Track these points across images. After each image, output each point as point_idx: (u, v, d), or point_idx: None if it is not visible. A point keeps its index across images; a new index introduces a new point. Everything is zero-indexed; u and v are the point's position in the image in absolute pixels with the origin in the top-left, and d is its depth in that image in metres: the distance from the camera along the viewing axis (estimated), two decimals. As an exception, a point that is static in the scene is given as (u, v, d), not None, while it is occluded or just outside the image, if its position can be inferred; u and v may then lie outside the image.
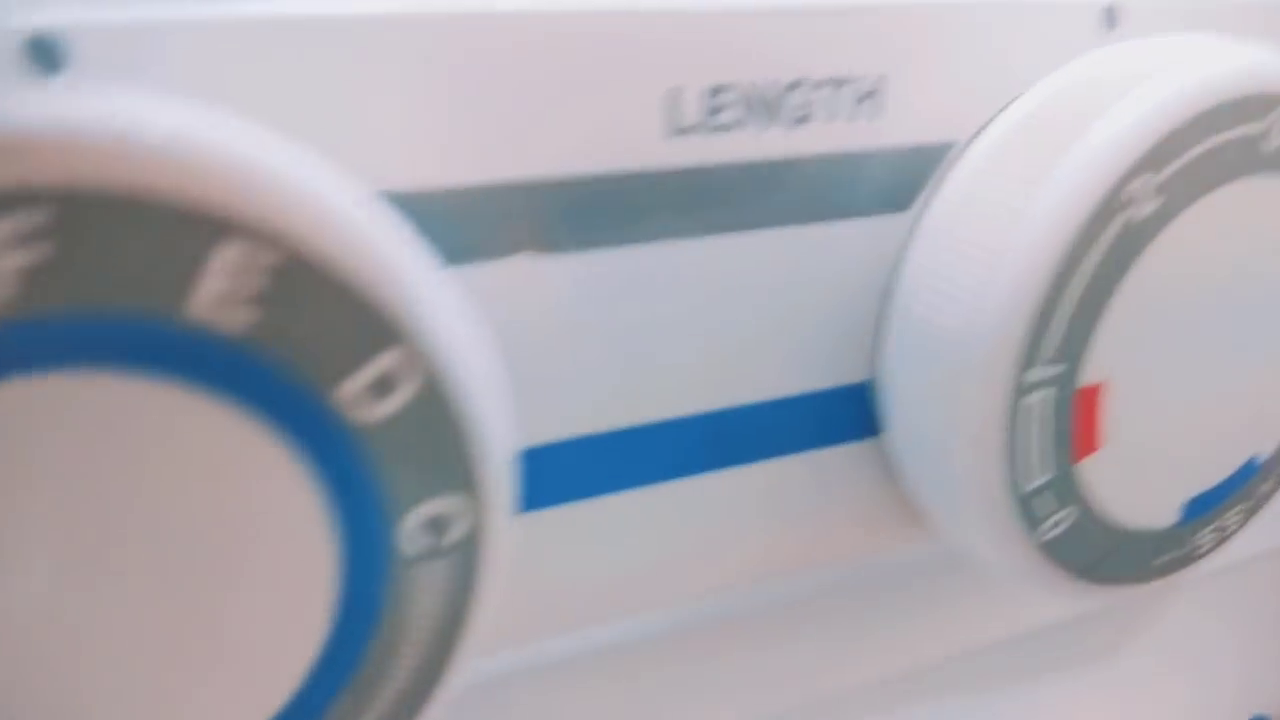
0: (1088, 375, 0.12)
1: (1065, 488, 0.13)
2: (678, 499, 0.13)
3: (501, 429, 0.09)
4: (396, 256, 0.08)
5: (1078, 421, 0.12)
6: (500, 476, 0.09)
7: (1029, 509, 0.13)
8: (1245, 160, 0.12)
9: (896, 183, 0.13)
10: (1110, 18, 0.14)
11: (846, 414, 0.14)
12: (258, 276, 0.08)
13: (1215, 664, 0.23)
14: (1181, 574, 0.14)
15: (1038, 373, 0.12)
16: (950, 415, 0.12)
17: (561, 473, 0.12)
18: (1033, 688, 0.21)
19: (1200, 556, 0.14)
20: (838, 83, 0.12)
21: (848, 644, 0.16)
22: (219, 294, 0.08)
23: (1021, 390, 0.12)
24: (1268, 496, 0.15)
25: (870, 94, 0.12)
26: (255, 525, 0.08)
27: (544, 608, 0.12)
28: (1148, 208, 0.12)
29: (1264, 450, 0.14)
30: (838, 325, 0.13)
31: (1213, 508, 0.14)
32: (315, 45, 0.09)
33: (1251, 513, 0.15)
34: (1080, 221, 0.11)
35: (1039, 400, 0.12)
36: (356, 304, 0.08)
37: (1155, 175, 0.11)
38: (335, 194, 0.08)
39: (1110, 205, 0.11)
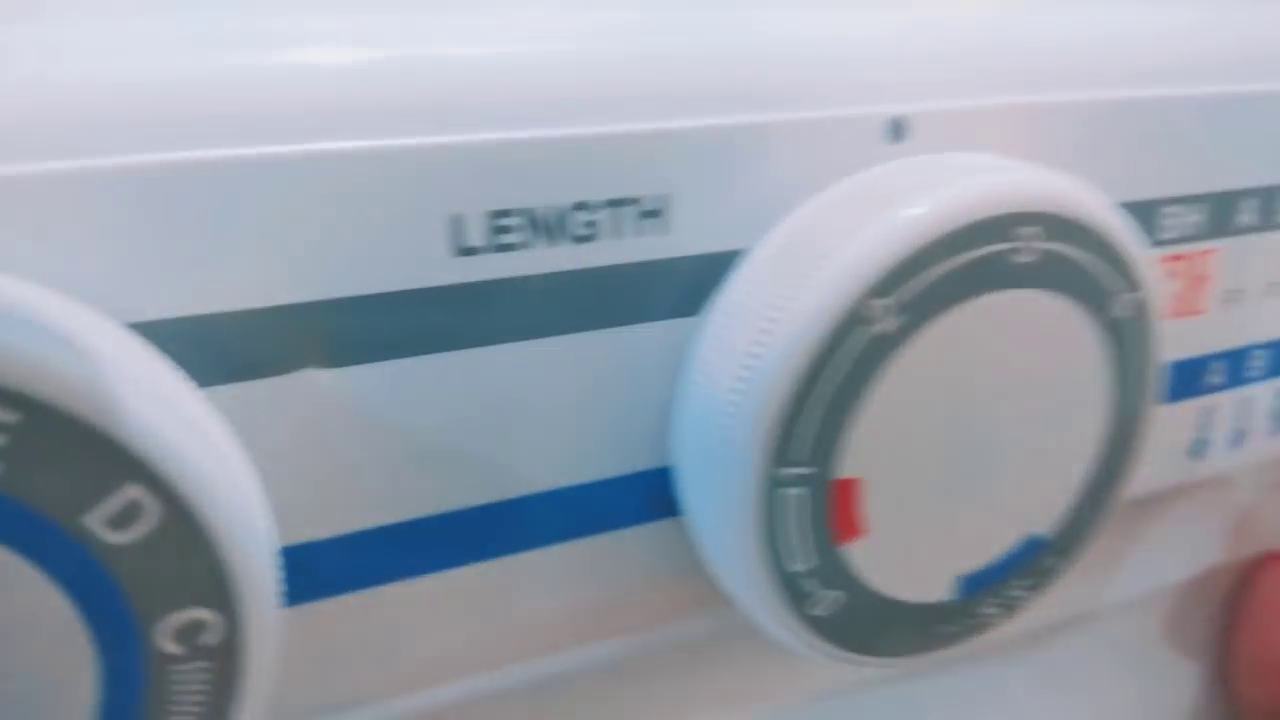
0: (842, 470, 0.13)
1: (830, 570, 0.14)
2: (484, 579, 0.14)
3: (255, 540, 0.10)
4: (132, 398, 0.09)
5: (836, 511, 0.13)
6: (254, 583, 0.10)
7: (796, 589, 0.14)
8: (996, 275, 0.13)
9: (687, 290, 0.14)
10: (897, 131, 0.15)
11: (659, 495, 0.15)
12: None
13: (1091, 701, 0.24)
14: (972, 641, 0.16)
15: (792, 469, 0.13)
16: (717, 503, 0.13)
17: (362, 562, 0.13)
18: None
19: (988, 626, 0.15)
20: (621, 202, 0.13)
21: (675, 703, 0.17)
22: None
23: (777, 483, 0.13)
24: (1054, 570, 0.16)
25: (655, 211, 0.13)
26: (22, 636, 0.09)
27: (338, 688, 0.13)
28: (890, 323, 0.13)
29: (1042, 529, 0.15)
30: (638, 418, 0.14)
31: (991, 583, 0.15)
32: (86, 196, 0.11)
33: (1039, 586, 0.16)
34: (822, 335, 0.12)
35: (796, 493, 0.13)
36: (94, 446, 0.09)
37: (895, 294, 0.13)
38: (68, 347, 0.09)
39: (852, 320, 0.12)
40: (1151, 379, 0.15)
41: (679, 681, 0.17)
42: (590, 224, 0.13)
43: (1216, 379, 0.19)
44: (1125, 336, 0.14)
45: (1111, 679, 0.24)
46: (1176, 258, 0.18)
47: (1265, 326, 0.20)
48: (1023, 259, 0.13)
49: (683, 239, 0.14)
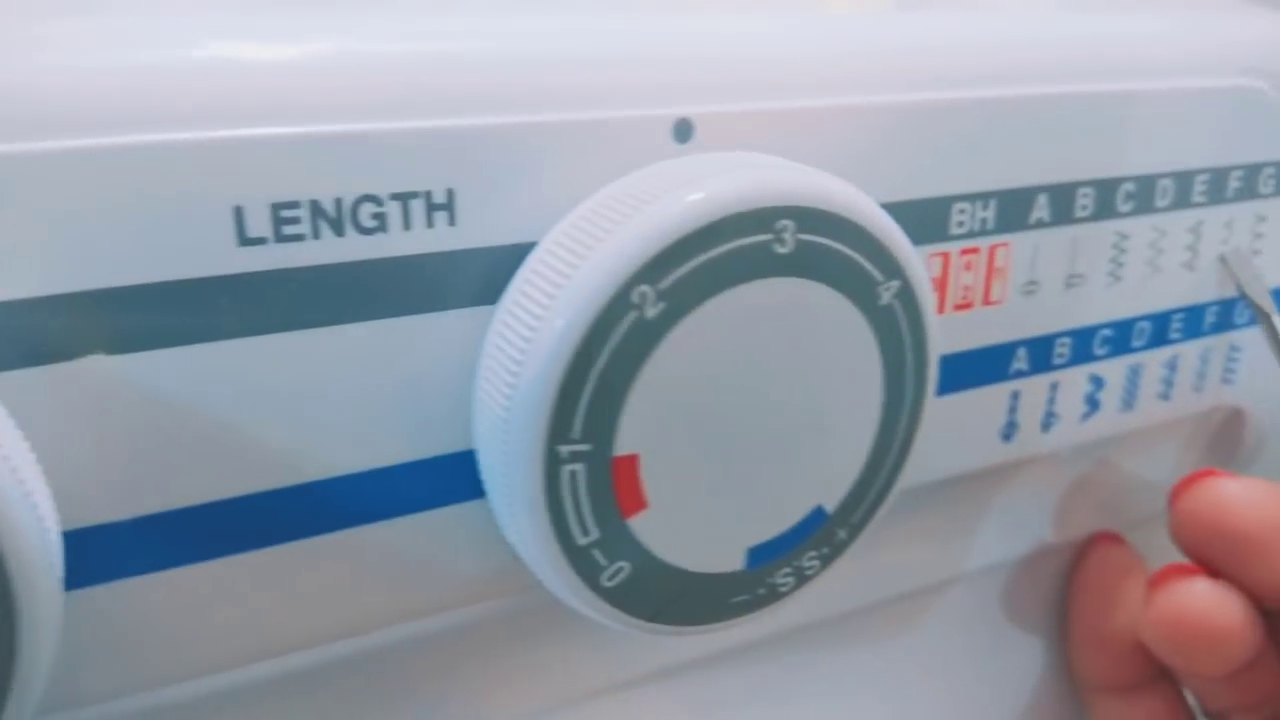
0: (621, 447, 0.14)
1: (616, 542, 0.14)
2: (281, 563, 0.15)
3: (32, 525, 0.11)
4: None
5: (620, 485, 0.14)
6: (30, 567, 0.11)
7: (586, 561, 0.14)
8: (759, 264, 0.14)
9: (482, 280, 0.15)
10: (683, 131, 0.16)
11: (465, 478, 0.16)
12: None
13: (928, 677, 0.26)
14: (767, 610, 0.16)
15: (570, 447, 0.14)
16: (504, 482, 0.14)
17: (154, 546, 0.14)
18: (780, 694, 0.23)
19: (782, 595, 0.16)
20: (408, 196, 0.14)
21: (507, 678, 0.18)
22: None
23: (558, 460, 0.14)
24: (845, 543, 0.17)
25: (443, 205, 0.14)
26: None
27: (127, 672, 0.13)
28: (656, 308, 0.14)
29: (827, 503, 0.16)
30: (439, 403, 0.15)
31: (782, 553, 0.16)
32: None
33: (831, 557, 0.17)
34: (590, 320, 0.13)
35: (576, 469, 0.14)
36: None
37: (658, 282, 0.13)
38: None
39: (618, 306, 0.13)
40: (923, 363, 0.16)
41: (493, 663, 0.18)
42: (378, 216, 0.14)
43: (1021, 365, 0.21)
44: (892, 323, 0.15)
45: (953, 657, 0.26)
46: (969, 251, 0.19)
47: (1068, 316, 0.21)
48: (781, 249, 0.14)
49: (473, 231, 0.15)
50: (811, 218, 0.14)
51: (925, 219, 0.18)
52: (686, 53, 0.16)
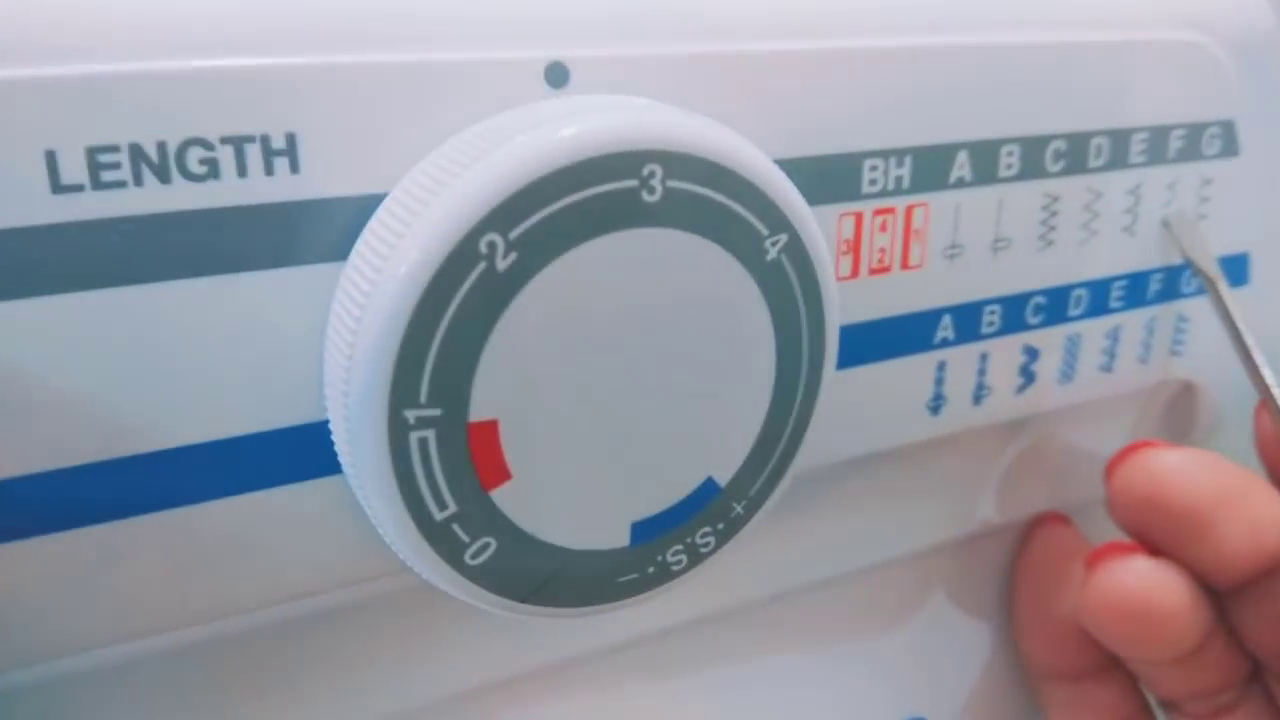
0: (477, 411, 0.13)
1: (479, 516, 0.13)
2: (127, 538, 0.14)
3: None
4: None
5: (478, 454, 0.13)
6: None
7: (446, 538, 0.13)
8: (624, 213, 0.13)
9: (335, 232, 0.14)
10: (557, 75, 0.15)
11: (322, 450, 0.15)
12: None
13: (872, 665, 0.25)
14: (660, 589, 0.15)
15: (419, 411, 0.13)
16: (353, 452, 0.13)
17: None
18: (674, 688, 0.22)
19: (676, 573, 0.15)
20: (241, 140, 0.13)
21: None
22: None
23: (406, 427, 0.13)
24: (743, 518, 0.16)
25: (283, 150, 0.13)
26: None
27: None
28: (507, 260, 0.13)
29: (721, 473, 0.15)
30: (292, 368, 0.14)
31: (671, 528, 0.15)
32: None
33: (727, 533, 0.16)
34: (433, 272, 0.12)
35: (427, 436, 0.13)
36: None
37: (508, 231, 0.12)
38: None
39: (464, 256, 0.12)
40: (820, 326, 0.15)
41: (378, 651, 0.17)
42: (207, 161, 0.13)
43: (947, 334, 0.20)
44: (782, 281, 0.14)
45: (894, 644, 0.25)
46: (884, 211, 0.18)
47: (996, 282, 0.20)
48: (649, 198, 0.13)
49: (320, 181, 0.13)
50: (682, 164, 0.13)
51: (834, 176, 0.17)
52: (562, -8, 0.15)
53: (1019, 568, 0.25)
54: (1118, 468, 0.20)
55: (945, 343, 0.20)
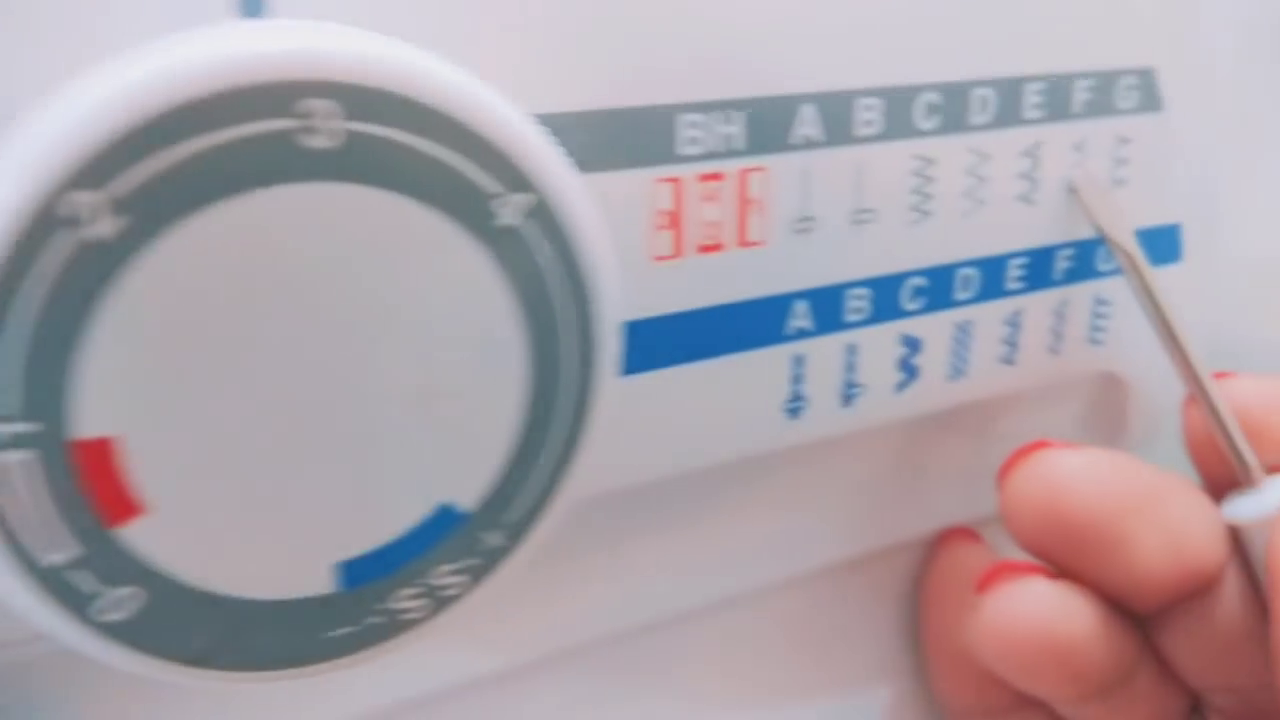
0: (85, 428, 0.10)
1: (107, 560, 0.10)
2: None
3: None
4: None
5: (91, 481, 0.10)
6: None
7: (67, 588, 0.11)
8: (280, 163, 0.10)
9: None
10: (250, 4, 0.12)
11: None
12: None
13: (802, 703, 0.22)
14: (395, 642, 0.13)
15: (7, 427, 0.10)
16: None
17: None
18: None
19: (414, 622, 0.12)
20: None
21: None
22: None
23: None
24: (503, 550, 0.13)
25: None
26: None
27: None
28: (108, 225, 0.10)
29: (460, 498, 0.12)
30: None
31: (398, 569, 0.12)
32: None
33: (483, 570, 0.13)
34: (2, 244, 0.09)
35: (18, 459, 0.10)
36: None
37: (108, 186, 0.09)
38: None
39: (45, 221, 0.09)
40: (586, 308, 0.12)
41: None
42: None
43: (802, 323, 0.17)
44: (522, 252, 0.12)
45: (783, 681, 0.22)
46: (710, 176, 0.15)
47: (860, 261, 0.17)
48: (319, 144, 0.10)
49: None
50: (363, 99, 0.10)
51: (637, 133, 0.14)
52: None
53: (924, 592, 0.22)
54: (1010, 474, 0.17)
55: (801, 334, 0.17)
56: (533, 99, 0.13)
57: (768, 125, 0.15)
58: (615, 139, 0.14)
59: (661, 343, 0.15)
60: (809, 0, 0.15)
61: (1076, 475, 0.17)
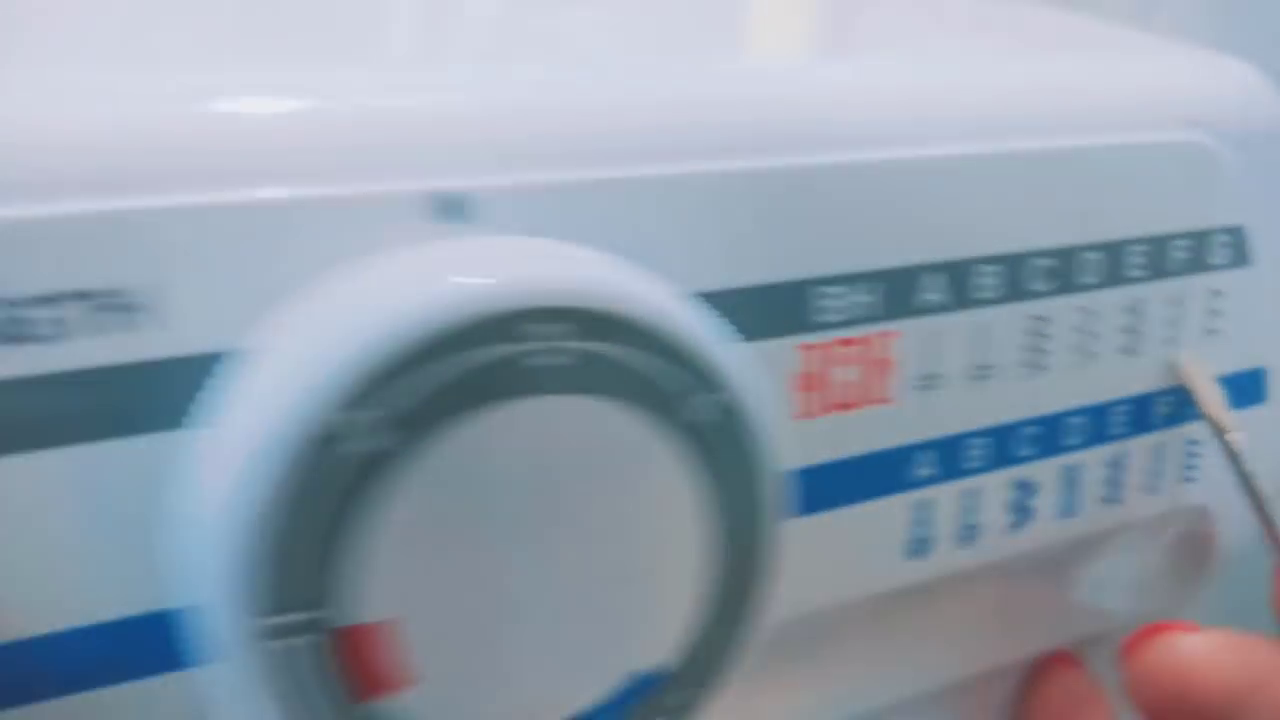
0: (362, 613, 0.11)
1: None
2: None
3: None
4: None
5: (360, 662, 0.11)
6: None
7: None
8: (514, 379, 0.11)
9: (186, 396, 0.12)
10: (448, 209, 0.13)
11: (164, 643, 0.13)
12: None
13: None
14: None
15: (288, 617, 0.11)
16: (210, 660, 0.11)
17: None
18: None
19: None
20: (84, 295, 0.11)
21: None
22: None
23: (273, 635, 0.11)
24: (688, 705, 0.14)
25: (130, 306, 0.12)
26: None
27: None
28: (379, 440, 0.11)
29: (651, 664, 0.13)
30: (132, 550, 0.12)
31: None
32: None
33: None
34: (286, 458, 0.10)
35: (302, 644, 0.11)
36: None
37: (378, 407, 0.11)
38: None
39: (326, 440, 0.11)
40: (762, 484, 0.13)
41: None
42: (56, 321, 0.11)
43: (925, 471, 0.18)
44: (712, 441, 0.13)
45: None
46: (846, 342, 0.16)
47: (978, 414, 0.18)
48: (546, 361, 0.11)
49: (170, 337, 0.12)
50: (591, 322, 0.12)
51: (780, 305, 0.16)
52: (451, 111, 0.13)
53: (1023, 716, 0.23)
54: (1136, 654, 0.18)
55: (922, 481, 0.18)
56: (698, 281, 0.14)
57: (896, 294, 0.16)
58: (762, 311, 0.15)
59: (799, 493, 0.16)
60: (932, 178, 0.16)
61: (1200, 658, 0.18)
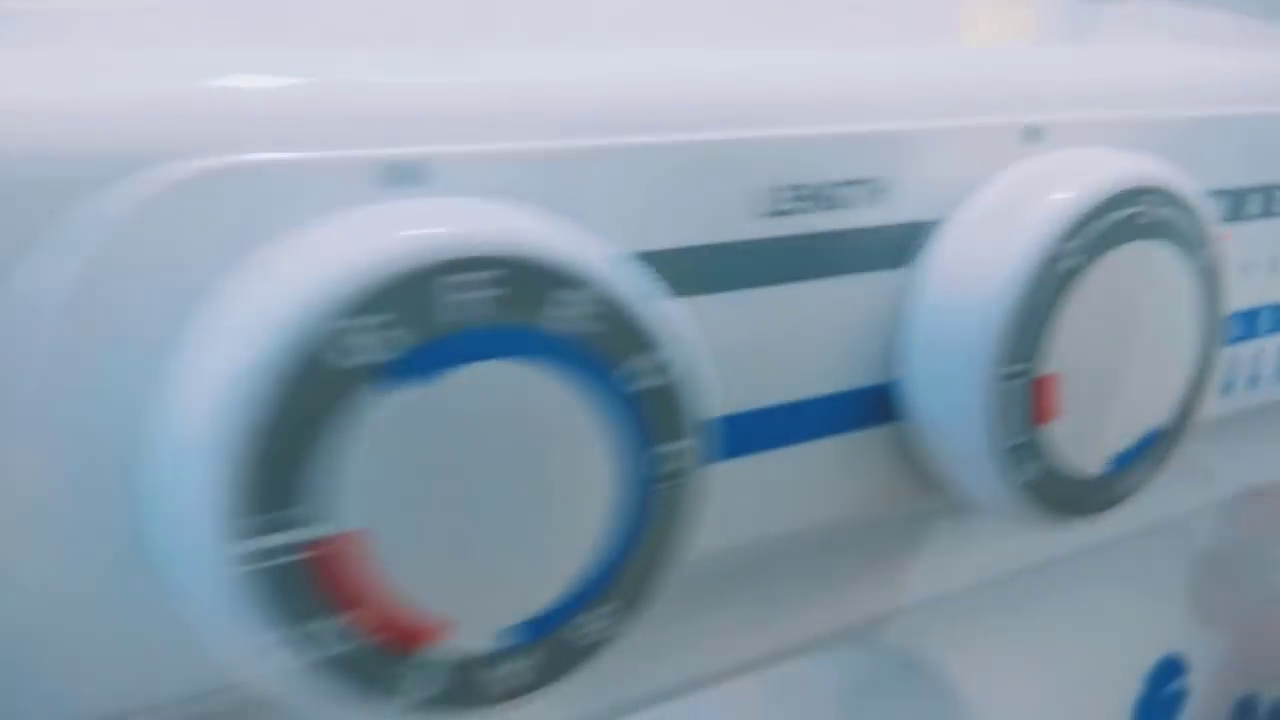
0: (1044, 366, 0.18)
1: (1031, 446, 0.19)
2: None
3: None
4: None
5: (1037, 399, 0.18)
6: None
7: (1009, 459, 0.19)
8: (1132, 229, 0.19)
9: (903, 248, 0.19)
10: (1031, 135, 0.20)
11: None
12: None
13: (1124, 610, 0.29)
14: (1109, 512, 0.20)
15: (1009, 366, 0.18)
16: (954, 398, 0.18)
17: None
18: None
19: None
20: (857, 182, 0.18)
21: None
22: None
23: (1001, 377, 0.18)
24: (1163, 458, 0.21)
25: (879, 188, 0.18)
26: None
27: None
28: (1074, 261, 0.18)
29: (1160, 421, 0.20)
30: (862, 345, 0.19)
31: (1130, 463, 0.20)
32: None
33: (1151, 472, 0.21)
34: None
35: (1013, 385, 0.18)
36: None
37: (1076, 239, 0.18)
38: None
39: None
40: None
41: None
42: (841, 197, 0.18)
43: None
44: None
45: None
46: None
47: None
48: (1146, 219, 0.18)
49: (896, 209, 0.19)
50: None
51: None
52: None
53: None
54: None
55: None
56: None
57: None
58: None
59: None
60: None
61: None
